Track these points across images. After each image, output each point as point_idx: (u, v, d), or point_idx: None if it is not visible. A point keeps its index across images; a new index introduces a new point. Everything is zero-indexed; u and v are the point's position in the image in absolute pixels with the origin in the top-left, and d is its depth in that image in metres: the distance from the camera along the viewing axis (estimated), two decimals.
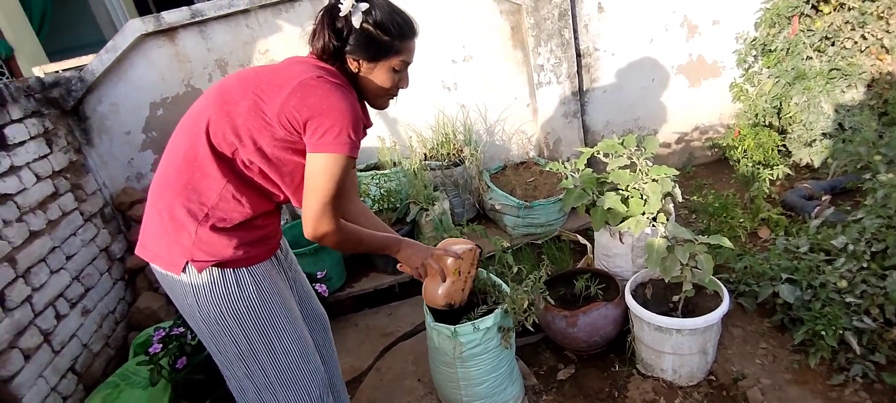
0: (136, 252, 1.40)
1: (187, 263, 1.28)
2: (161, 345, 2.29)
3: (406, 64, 1.39)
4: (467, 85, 3.33)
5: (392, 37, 1.32)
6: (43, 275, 2.39)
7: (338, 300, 2.87)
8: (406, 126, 3.31)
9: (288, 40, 3.10)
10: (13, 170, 2.40)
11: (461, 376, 1.94)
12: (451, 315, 1.96)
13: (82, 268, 2.70)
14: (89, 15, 6.61)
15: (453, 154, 3.19)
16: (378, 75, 1.35)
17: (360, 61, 1.32)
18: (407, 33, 1.35)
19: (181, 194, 1.27)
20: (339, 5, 1.29)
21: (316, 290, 2.61)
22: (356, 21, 1.28)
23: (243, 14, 3.00)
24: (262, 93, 1.25)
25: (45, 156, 2.66)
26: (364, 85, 1.37)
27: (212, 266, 1.29)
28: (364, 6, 1.28)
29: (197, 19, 2.94)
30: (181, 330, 2.36)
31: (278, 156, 1.29)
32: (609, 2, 3.31)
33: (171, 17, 2.92)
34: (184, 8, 2.92)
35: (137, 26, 2.90)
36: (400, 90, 1.44)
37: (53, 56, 5.00)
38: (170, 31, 2.97)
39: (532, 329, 1.87)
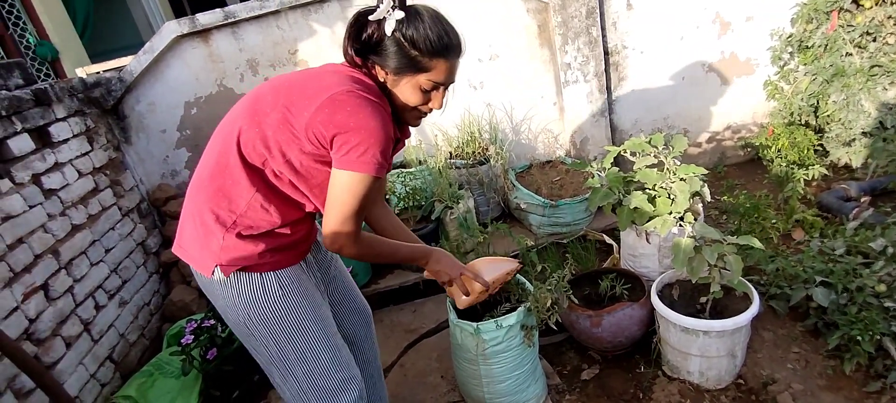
0: (173, 250, 1.41)
1: (216, 267, 1.29)
2: (193, 337, 2.37)
3: (436, 84, 1.28)
4: (493, 83, 3.34)
5: (420, 52, 1.22)
6: (84, 267, 2.50)
7: (369, 294, 2.91)
8: (432, 124, 3.33)
9: (317, 40, 3.16)
10: (57, 166, 2.52)
11: (483, 373, 1.94)
12: (474, 311, 1.98)
13: (120, 261, 2.81)
14: (129, 18, 6.87)
15: (479, 152, 3.20)
16: (403, 90, 1.28)
17: (386, 71, 1.26)
18: (439, 52, 1.24)
19: (212, 199, 1.28)
20: (376, 8, 1.21)
21: None
22: (388, 28, 1.20)
23: (274, 15, 3.07)
24: (291, 106, 1.22)
25: (87, 154, 2.78)
26: (392, 96, 1.31)
27: (238, 270, 1.30)
28: (400, 15, 1.20)
29: (230, 20, 3.02)
30: (212, 322, 2.44)
31: (307, 168, 1.27)
32: None
33: (206, 18, 3.01)
34: (217, 10, 3.01)
35: (173, 28, 3.00)
36: (431, 110, 1.35)
37: (95, 58, 5.20)
38: (204, 33, 3.07)
39: (556, 328, 1.86)
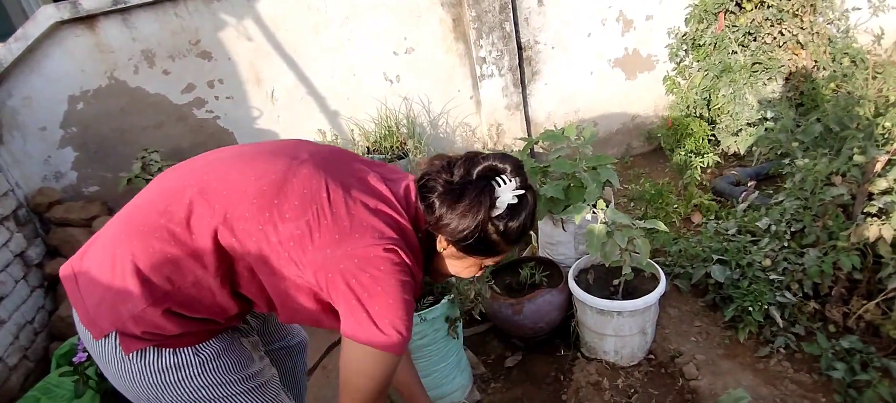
0: (61, 269, 1.09)
1: (113, 332, 1.01)
2: (86, 354, 2.14)
3: (495, 263, 1.16)
4: (410, 77, 3.31)
5: (505, 240, 1.05)
6: None
7: None
8: (347, 119, 3.25)
9: (224, 32, 2.96)
10: None
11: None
12: None
13: None
14: None
15: (397, 147, 3.16)
16: (457, 265, 1.14)
17: (450, 244, 1.07)
18: (518, 241, 1.08)
19: (149, 256, 0.99)
20: (498, 192, 1.01)
21: None
22: (495, 212, 1.01)
23: (172, 2, 2.84)
24: (314, 228, 0.98)
25: None
26: (437, 261, 1.15)
27: (143, 346, 1.01)
28: (513, 200, 1.02)
29: (119, 7, 2.76)
30: None
31: (293, 291, 1.04)
32: None
33: (91, 3, 2.72)
34: None
35: (51, 13, 2.69)
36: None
37: None
38: (89, 19, 2.77)
39: (480, 318, 1.88)
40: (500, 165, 1.04)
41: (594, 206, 1.98)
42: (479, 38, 3.23)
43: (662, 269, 2.15)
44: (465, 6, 3.16)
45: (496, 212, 1.01)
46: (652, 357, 2.15)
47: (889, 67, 3.38)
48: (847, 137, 2.12)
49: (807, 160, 2.23)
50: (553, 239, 2.42)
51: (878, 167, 1.95)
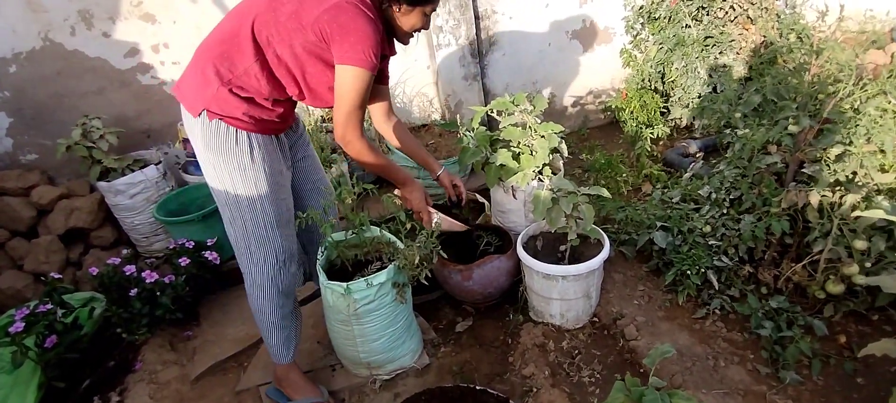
0: (173, 89, 1.67)
1: (204, 110, 1.57)
2: (24, 324, 2.08)
3: (434, 8, 1.64)
4: None
5: None
6: None
7: (231, 268, 2.73)
8: None
9: None
10: None
11: (357, 333, 1.93)
12: (345, 273, 1.95)
13: None
14: None
15: None
16: (410, 18, 1.61)
17: (401, 5, 1.57)
18: None
19: (217, 58, 1.55)
20: None
21: (206, 258, 2.48)
22: None
23: None
24: (304, 2, 1.50)
25: None
26: (395, 24, 1.63)
27: (219, 118, 1.57)
28: None
29: None
30: (49, 306, 2.15)
31: (305, 58, 1.55)
32: None
33: None
34: None
35: None
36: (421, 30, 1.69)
37: None
38: None
39: (427, 283, 1.90)
40: None
41: (541, 173, 2.01)
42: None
43: (608, 236, 2.21)
44: None
45: None
46: (596, 319, 2.22)
47: (831, 43, 3.51)
48: (783, 108, 2.20)
49: (747, 130, 2.32)
50: (504, 208, 2.46)
51: (810, 137, 2.04)
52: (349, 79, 1.52)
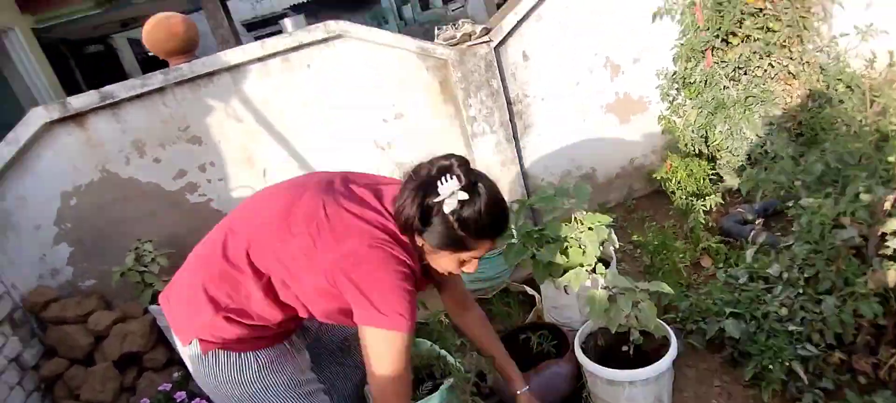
0: (159, 299, 1.44)
1: (195, 340, 1.32)
2: None
3: (476, 258, 1.30)
4: (401, 142, 3.29)
5: (469, 233, 1.20)
6: None
7: None
8: None
9: (211, 115, 2.98)
10: None
11: None
12: None
13: None
14: (9, 93, 6.28)
15: None
16: (439, 262, 1.29)
17: (425, 244, 1.25)
18: (489, 235, 1.24)
19: (212, 281, 1.30)
20: (439, 186, 1.16)
21: None
22: (447, 208, 1.16)
23: (159, 92, 2.86)
24: (317, 239, 1.22)
25: None
26: (428, 259, 1.31)
27: (217, 349, 1.32)
28: (463, 196, 1.16)
29: (108, 102, 2.78)
30: None
31: (314, 296, 1.28)
32: (533, 49, 3.37)
33: (79, 101, 2.75)
34: (93, 92, 2.76)
35: (41, 114, 2.72)
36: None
37: None
38: (78, 117, 2.80)
39: (482, 398, 1.78)
40: (445, 163, 1.22)
41: (593, 270, 1.90)
42: (468, 98, 3.22)
43: (674, 326, 2.05)
44: (450, 68, 3.17)
45: (448, 207, 1.16)
46: None
47: (885, 88, 3.33)
48: (850, 175, 2.04)
49: (812, 200, 2.15)
50: (557, 303, 2.33)
51: (888, 206, 1.87)
52: (381, 344, 1.21)
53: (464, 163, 1.22)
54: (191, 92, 2.90)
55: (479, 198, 1.18)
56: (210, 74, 2.91)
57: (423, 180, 1.20)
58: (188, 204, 3.09)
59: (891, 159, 1.99)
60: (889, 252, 1.81)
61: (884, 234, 1.85)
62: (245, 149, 3.09)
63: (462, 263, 1.29)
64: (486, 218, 1.19)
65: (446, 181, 1.16)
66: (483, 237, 1.23)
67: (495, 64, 3.24)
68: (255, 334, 1.33)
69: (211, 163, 3.08)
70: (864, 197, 1.93)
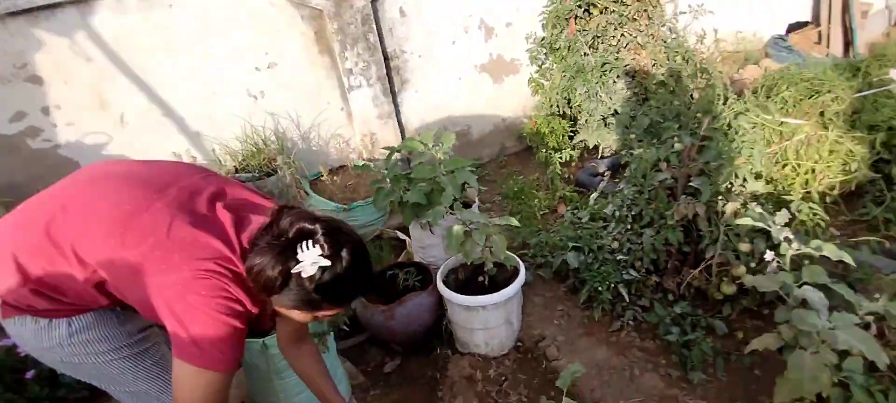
0: None
1: None
2: None
3: (327, 315, 1.23)
4: (274, 92, 3.23)
5: (325, 298, 1.13)
6: None
7: None
8: (211, 139, 3.10)
9: (52, 52, 2.69)
10: None
11: (279, 388, 1.88)
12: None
13: None
14: None
15: (265, 164, 3.07)
16: (292, 313, 1.19)
17: (276, 302, 1.16)
18: (347, 300, 1.21)
19: (31, 250, 1.15)
20: (299, 253, 1.07)
21: None
22: (305, 274, 1.08)
23: None
24: (148, 258, 1.10)
25: None
26: (267, 307, 1.20)
27: (25, 315, 1.19)
28: (325, 263, 1.08)
29: None
30: None
31: (143, 303, 1.14)
32: (409, 6, 3.45)
33: None
34: None
35: None
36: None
37: None
38: None
39: (346, 328, 1.88)
40: (310, 227, 1.11)
41: (452, 208, 2.07)
42: (344, 50, 3.23)
43: (525, 260, 2.30)
44: (325, 19, 3.15)
45: (306, 273, 1.08)
46: (520, 344, 2.28)
47: (711, 62, 3.86)
48: (668, 128, 2.39)
49: (641, 150, 2.49)
50: (424, 243, 2.49)
51: (693, 152, 2.23)
52: (194, 381, 1.09)
53: (329, 229, 1.13)
54: (27, 23, 2.60)
55: (340, 265, 1.11)
56: (52, 7, 2.62)
57: (285, 244, 1.10)
58: (29, 150, 2.79)
59: (698, 115, 2.37)
60: (692, 190, 2.18)
61: (689, 175, 2.22)
62: (97, 92, 2.84)
63: (316, 317, 1.24)
64: (345, 286, 1.15)
65: (307, 248, 1.08)
66: (340, 303, 1.20)
67: (372, 18, 3.27)
68: (69, 308, 1.21)
69: (56, 105, 2.80)
70: (677, 145, 2.28)
